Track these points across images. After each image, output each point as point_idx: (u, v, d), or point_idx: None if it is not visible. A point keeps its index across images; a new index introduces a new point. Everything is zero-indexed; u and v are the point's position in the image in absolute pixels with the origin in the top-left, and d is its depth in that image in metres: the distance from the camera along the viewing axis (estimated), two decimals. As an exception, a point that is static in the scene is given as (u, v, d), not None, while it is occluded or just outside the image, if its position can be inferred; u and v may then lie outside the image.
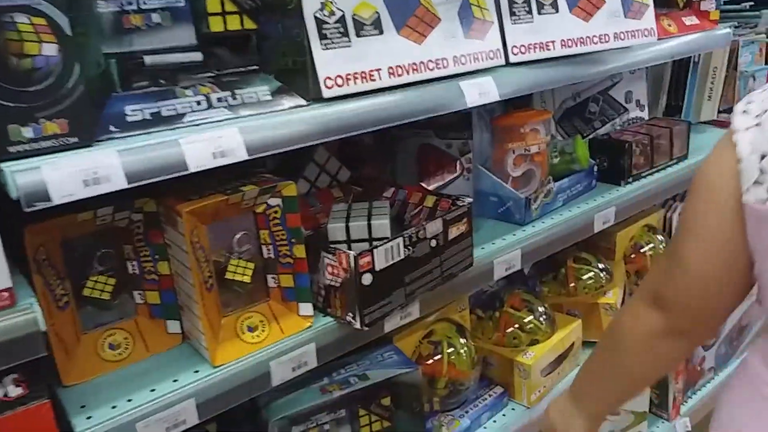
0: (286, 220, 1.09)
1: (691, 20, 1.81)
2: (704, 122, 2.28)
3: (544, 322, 1.61)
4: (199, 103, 0.97)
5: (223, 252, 1.09)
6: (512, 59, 1.33)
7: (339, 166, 1.48)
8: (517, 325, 1.60)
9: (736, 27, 2.02)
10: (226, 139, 0.93)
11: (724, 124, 2.27)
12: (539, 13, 1.37)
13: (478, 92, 1.23)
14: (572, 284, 1.79)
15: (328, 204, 1.36)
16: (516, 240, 1.45)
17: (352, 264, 1.07)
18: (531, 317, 1.61)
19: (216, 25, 0.98)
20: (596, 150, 1.77)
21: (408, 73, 1.14)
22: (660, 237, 1.96)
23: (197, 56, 0.99)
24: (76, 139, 0.84)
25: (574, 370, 1.71)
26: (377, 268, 1.10)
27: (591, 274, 1.78)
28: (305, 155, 1.41)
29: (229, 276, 1.08)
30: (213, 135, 0.92)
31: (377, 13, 1.10)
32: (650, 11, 1.54)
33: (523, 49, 1.34)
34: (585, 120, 1.93)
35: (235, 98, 1.00)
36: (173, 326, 1.11)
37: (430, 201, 1.34)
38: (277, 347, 1.08)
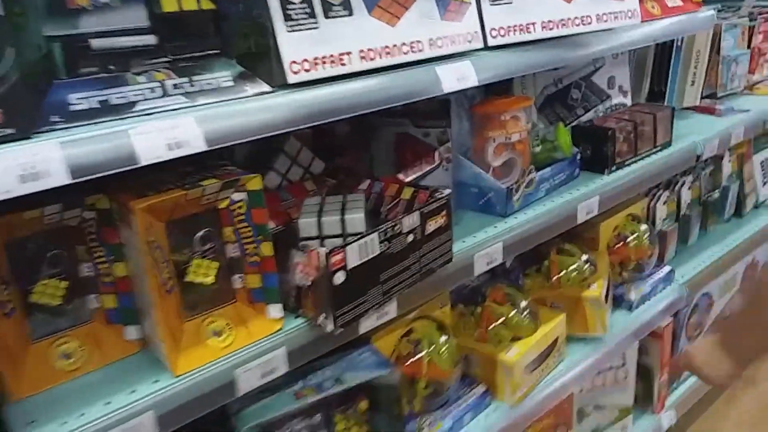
0: (251, 215, 1.01)
1: (674, 2, 1.76)
2: (687, 108, 2.24)
3: (527, 318, 1.56)
4: (152, 90, 0.89)
5: (184, 251, 1.01)
6: (491, 42, 1.26)
7: (312, 157, 1.41)
8: (499, 321, 1.55)
9: (719, 11, 1.98)
10: (182, 130, 0.86)
11: (708, 110, 2.24)
12: (519, -6, 1.30)
13: (456, 77, 1.17)
14: (556, 276, 1.74)
15: (301, 198, 1.29)
16: (497, 232, 1.40)
17: (323, 262, 1.00)
18: (514, 312, 1.56)
19: (170, 4, 0.91)
20: (579, 138, 1.72)
21: (380, 56, 1.07)
22: (644, 226, 1.92)
23: (150, 39, 0.91)
24: (12, 131, 0.77)
25: (559, 366, 1.66)
26: (350, 266, 1.04)
27: (575, 266, 1.74)
28: (275, 146, 1.34)
29: (190, 277, 1.00)
30: (167, 125, 0.85)
31: (347, -8, 1.03)
32: (634, -8, 1.49)
33: (502, 32, 1.28)
34: (567, 107, 1.87)
35: (192, 85, 0.93)
36: (131, 332, 1.03)
37: (407, 193, 1.27)
38: (244, 353, 1.01)
